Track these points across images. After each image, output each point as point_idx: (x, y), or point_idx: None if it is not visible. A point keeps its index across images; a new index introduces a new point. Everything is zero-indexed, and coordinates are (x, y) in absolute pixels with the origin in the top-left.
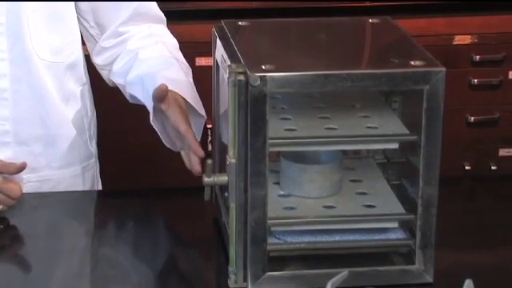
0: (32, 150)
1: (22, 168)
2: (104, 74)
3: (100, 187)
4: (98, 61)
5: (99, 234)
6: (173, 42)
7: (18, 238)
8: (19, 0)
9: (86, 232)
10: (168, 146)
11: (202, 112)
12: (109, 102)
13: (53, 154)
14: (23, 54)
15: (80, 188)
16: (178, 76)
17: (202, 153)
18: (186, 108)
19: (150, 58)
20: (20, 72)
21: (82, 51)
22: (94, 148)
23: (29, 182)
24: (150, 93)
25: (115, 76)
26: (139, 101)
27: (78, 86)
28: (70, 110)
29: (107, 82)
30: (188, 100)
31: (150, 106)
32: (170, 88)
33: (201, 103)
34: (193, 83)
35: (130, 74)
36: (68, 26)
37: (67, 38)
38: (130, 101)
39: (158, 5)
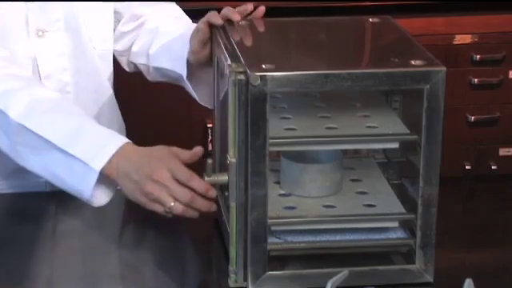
0: None
1: (197, 154)
2: (123, 60)
3: None
4: (117, 47)
5: (98, 234)
6: (188, 19)
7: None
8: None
9: (87, 232)
10: (203, 103)
11: None
12: None
13: None
14: (81, 47)
15: None
16: None
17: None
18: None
19: (173, 30)
20: (79, 64)
21: None
22: None
23: None
24: (180, 53)
25: (135, 56)
26: (166, 73)
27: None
28: (114, 97)
29: (126, 67)
30: None
31: (181, 67)
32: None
33: None
34: None
35: (153, 47)
36: (111, 12)
37: (111, 25)
38: (153, 79)
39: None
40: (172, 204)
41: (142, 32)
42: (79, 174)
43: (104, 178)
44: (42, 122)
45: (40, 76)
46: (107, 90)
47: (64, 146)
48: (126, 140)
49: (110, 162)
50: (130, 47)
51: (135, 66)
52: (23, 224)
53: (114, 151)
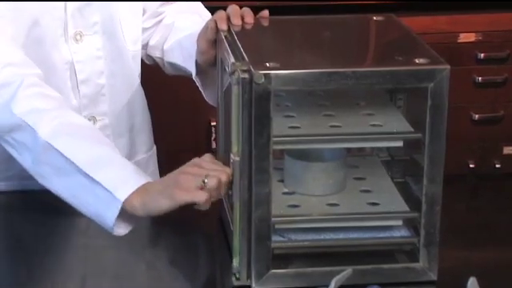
0: (127, 141)
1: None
2: (142, 53)
3: None
4: None
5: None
6: (207, 14)
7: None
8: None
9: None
10: (209, 101)
11: None
12: None
13: (141, 141)
14: (117, 50)
15: (155, 169)
16: None
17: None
18: None
19: (187, 26)
20: (114, 66)
21: None
22: None
23: None
24: (190, 51)
25: (152, 50)
26: (179, 68)
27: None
28: (144, 96)
29: (145, 60)
30: None
31: (190, 65)
32: None
33: None
34: None
35: (167, 42)
36: (141, 12)
37: (141, 25)
38: (168, 72)
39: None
40: (206, 180)
41: (159, 27)
42: (103, 201)
43: (126, 210)
44: (69, 144)
45: (77, 80)
46: (138, 90)
47: (89, 171)
48: (150, 179)
49: (132, 196)
50: (149, 42)
51: (153, 59)
52: (50, 220)
53: (138, 185)
